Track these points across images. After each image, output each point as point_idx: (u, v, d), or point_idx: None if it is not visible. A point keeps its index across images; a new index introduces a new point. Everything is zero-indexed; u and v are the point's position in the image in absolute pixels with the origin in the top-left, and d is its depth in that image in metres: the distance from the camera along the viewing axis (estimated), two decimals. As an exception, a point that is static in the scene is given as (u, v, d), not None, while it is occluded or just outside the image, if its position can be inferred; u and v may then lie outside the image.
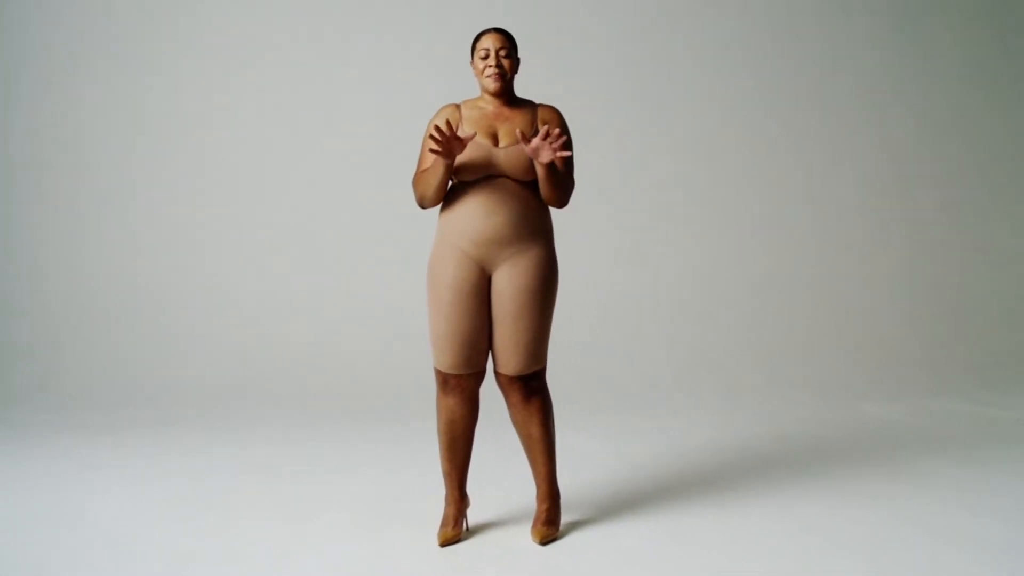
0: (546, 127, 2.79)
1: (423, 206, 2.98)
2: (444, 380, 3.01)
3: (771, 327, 5.72)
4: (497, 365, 3.02)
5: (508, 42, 2.99)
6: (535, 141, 2.78)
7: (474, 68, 3.02)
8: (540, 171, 2.87)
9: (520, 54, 3.09)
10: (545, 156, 2.80)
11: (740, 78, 5.92)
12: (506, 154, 2.91)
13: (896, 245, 6.04)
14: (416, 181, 2.95)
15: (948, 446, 4.13)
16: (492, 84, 2.96)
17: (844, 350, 5.64)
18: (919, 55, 6.10)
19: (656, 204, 5.84)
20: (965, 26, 6.13)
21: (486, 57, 2.97)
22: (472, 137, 2.80)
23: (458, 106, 3.02)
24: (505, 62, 2.97)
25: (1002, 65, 6.19)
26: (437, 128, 2.77)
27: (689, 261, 5.83)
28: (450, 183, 2.97)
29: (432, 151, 2.79)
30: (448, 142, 2.77)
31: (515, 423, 3.09)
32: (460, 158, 2.89)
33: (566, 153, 2.78)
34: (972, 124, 6.16)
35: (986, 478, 3.67)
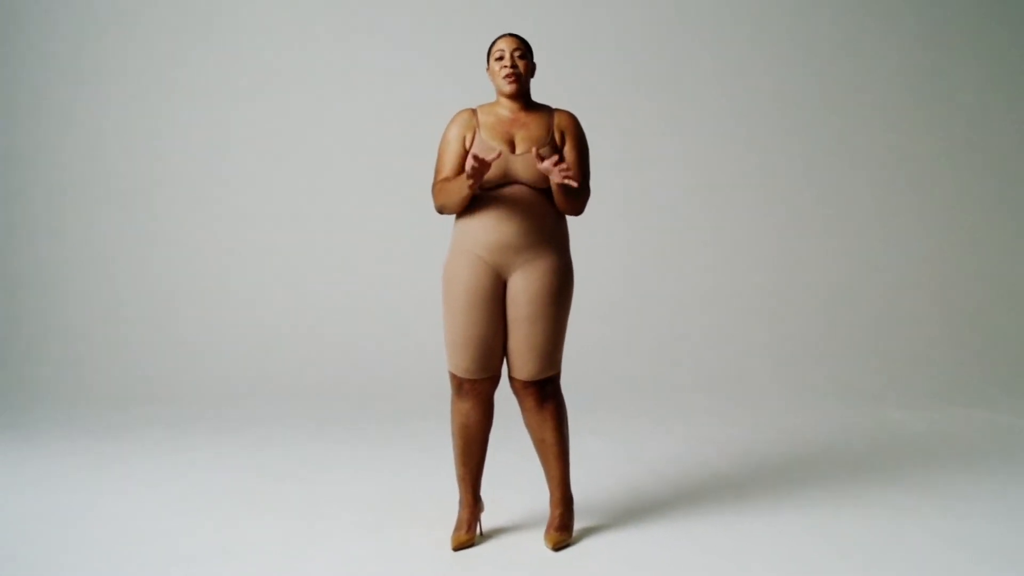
0: (555, 156, 2.75)
1: (443, 214, 2.97)
2: (459, 384, 3.00)
3: (789, 332, 5.67)
4: (511, 370, 3.01)
5: (523, 45, 2.98)
6: (546, 164, 2.75)
7: (490, 73, 3.00)
8: (553, 184, 2.86)
9: (537, 59, 3.07)
10: (556, 177, 2.77)
11: (755, 81, 5.86)
12: (523, 162, 2.89)
13: (917, 249, 5.95)
14: (437, 191, 2.93)
15: (968, 455, 4.08)
16: (508, 86, 2.94)
17: (863, 355, 5.58)
18: (937, 56, 6.02)
19: (673, 207, 5.79)
20: (982, 29, 6.04)
21: (501, 59, 2.95)
22: (498, 157, 2.78)
23: (474, 111, 2.99)
24: (520, 63, 2.95)
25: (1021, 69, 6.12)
26: (476, 159, 2.72)
27: (706, 265, 5.79)
28: None
29: (470, 188, 2.77)
30: (481, 170, 2.75)
31: (529, 428, 3.08)
32: None
33: (572, 184, 2.74)
34: (994, 129, 6.05)
35: (1005, 488, 3.63)
